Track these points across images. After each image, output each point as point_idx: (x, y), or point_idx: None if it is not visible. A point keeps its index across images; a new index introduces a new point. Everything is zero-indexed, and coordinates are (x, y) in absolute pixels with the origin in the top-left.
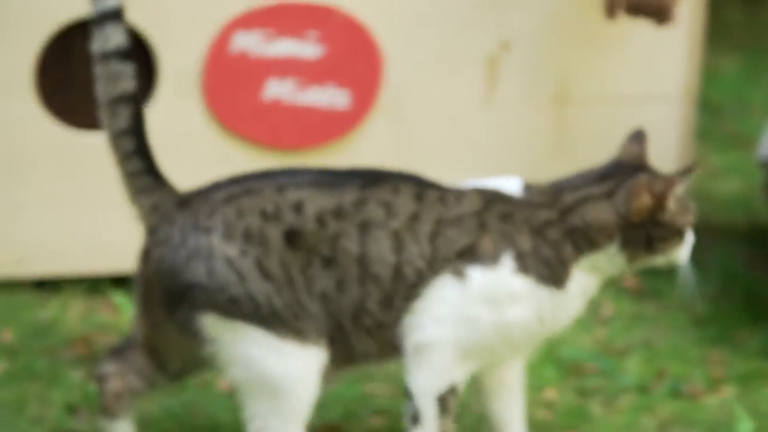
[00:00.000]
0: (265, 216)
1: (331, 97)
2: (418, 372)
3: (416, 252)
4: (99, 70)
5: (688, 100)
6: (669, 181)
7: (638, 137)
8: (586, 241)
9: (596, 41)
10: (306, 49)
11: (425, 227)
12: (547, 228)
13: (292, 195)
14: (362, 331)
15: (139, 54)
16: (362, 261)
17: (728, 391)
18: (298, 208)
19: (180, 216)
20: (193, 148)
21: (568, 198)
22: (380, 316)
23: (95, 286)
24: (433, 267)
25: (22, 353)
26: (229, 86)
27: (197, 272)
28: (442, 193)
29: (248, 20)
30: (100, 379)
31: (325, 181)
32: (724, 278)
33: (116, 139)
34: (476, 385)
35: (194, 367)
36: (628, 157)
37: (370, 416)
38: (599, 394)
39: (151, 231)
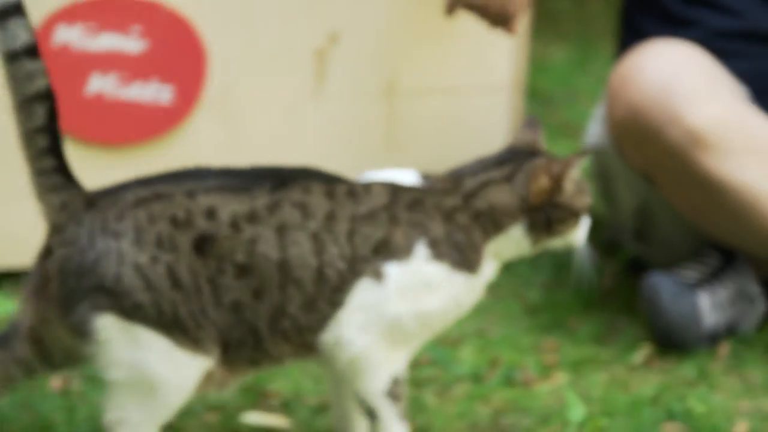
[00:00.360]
0: (175, 222)
1: (155, 92)
2: (359, 380)
3: (336, 253)
4: (10, 70)
5: (517, 90)
6: (565, 163)
7: (532, 124)
8: (492, 223)
9: (425, 33)
10: (129, 43)
11: (342, 226)
12: (455, 213)
13: (204, 200)
14: (279, 335)
15: None
16: (283, 266)
17: (560, 378)
18: (210, 213)
19: (88, 217)
20: (12, 144)
21: (469, 183)
22: (302, 320)
23: None
24: (353, 268)
25: None
26: (51, 81)
27: (105, 275)
28: (350, 187)
29: (70, 14)
30: None
31: (235, 185)
32: (555, 266)
33: (30, 136)
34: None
35: (78, 361)
36: (522, 143)
37: (204, 413)
38: (433, 384)
39: (57, 230)
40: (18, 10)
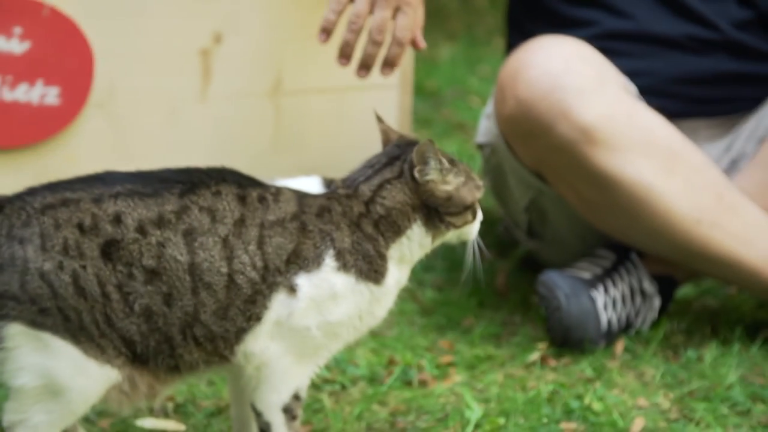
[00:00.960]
0: (82, 229)
1: (41, 94)
2: (260, 390)
3: (247, 261)
4: None
5: (406, 89)
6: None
7: (380, 119)
8: (392, 228)
9: (311, 33)
10: (12, 45)
11: (251, 232)
12: (361, 221)
13: (110, 206)
14: (192, 343)
15: None
16: (192, 270)
17: (457, 378)
18: (117, 219)
19: None
20: None
21: (366, 188)
22: (214, 328)
23: None
24: (267, 280)
25: None
26: None
27: (10, 283)
28: (261, 192)
29: None
30: None
31: (143, 190)
32: (449, 266)
33: None
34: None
35: None
36: (397, 136)
37: (98, 419)
38: (330, 385)
39: None
40: None
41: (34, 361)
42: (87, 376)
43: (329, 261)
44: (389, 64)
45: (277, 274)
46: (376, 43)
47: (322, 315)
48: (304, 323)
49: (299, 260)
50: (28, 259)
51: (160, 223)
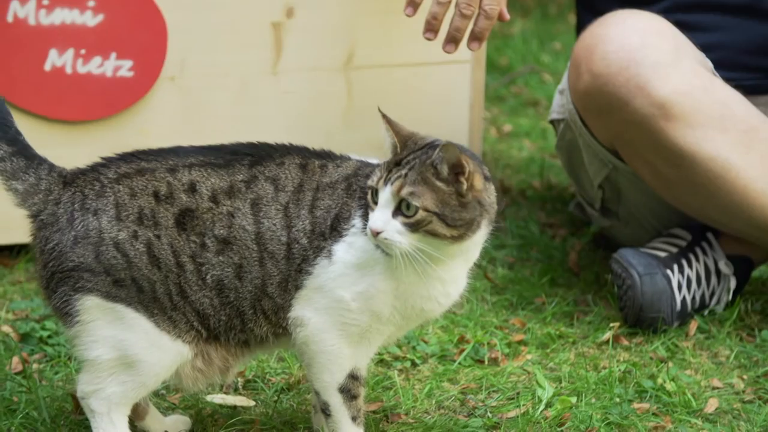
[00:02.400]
0: (158, 197)
1: (114, 67)
2: (313, 369)
3: (300, 227)
4: None
5: (479, 65)
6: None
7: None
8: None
9: (385, 7)
10: (86, 18)
11: (307, 196)
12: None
13: (185, 175)
14: (261, 316)
15: None
16: (259, 239)
17: (528, 357)
18: (191, 188)
19: (66, 195)
20: None
21: None
22: (278, 300)
23: None
24: (312, 242)
25: None
26: (8, 57)
27: (84, 255)
28: (325, 161)
29: None
30: None
31: (215, 161)
32: (520, 244)
33: None
34: None
35: None
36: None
37: (169, 393)
38: (400, 363)
39: (34, 215)
40: None
41: (109, 334)
42: (160, 350)
43: (358, 221)
44: (477, 39)
45: (321, 239)
46: (464, 17)
47: (354, 284)
48: (339, 293)
49: (340, 224)
50: (103, 230)
51: (231, 192)
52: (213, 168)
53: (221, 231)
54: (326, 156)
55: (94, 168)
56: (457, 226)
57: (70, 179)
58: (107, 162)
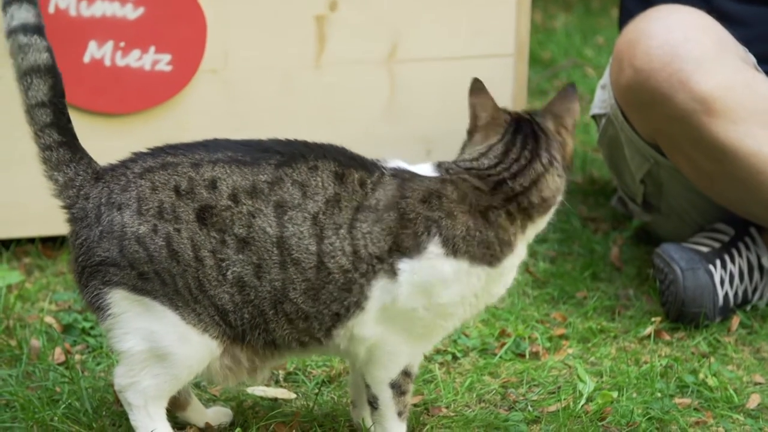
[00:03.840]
0: (178, 192)
1: (153, 60)
2: (369, 366)
3: (337, 244)
4: (9, 45)
5: (521, 59)
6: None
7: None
8: (539, 212)
9: (427, 1)
10: (126, 11)
11: (344, 215)
12: (490, 211)
13: (208, 171)
14: (283, 319)
15: None
16: (281, 244)
17: (569, 351)
18: (212, 184)
19: (94, 191)
20: (8, 112)
21: (514, 184)
22: (305, 307)
23: None
24: (358, 267)
25: None
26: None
27: (110, 249)
28: (363, 175)
29: None
30: None
31: (242, 158)
32: (562, 238)
33: (31, 111)
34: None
35: None
36: (504, 115)
37: (209, 385)
38: (441, 356)
39: (68, 208)
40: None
41: (140, 326)
42: (188, 343)
43: (434, 248)
44: None
45: (375, 262)
46: None
47: (429, 297)
48: (410, 305)
49: (399, 248)
50: (125, 224)
51: (253, 192)
52: (238, 165)
53: (240, 230)
54: (363, 165)
55: (124, 163)
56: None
57: (100, 175)
58: (136, 157)
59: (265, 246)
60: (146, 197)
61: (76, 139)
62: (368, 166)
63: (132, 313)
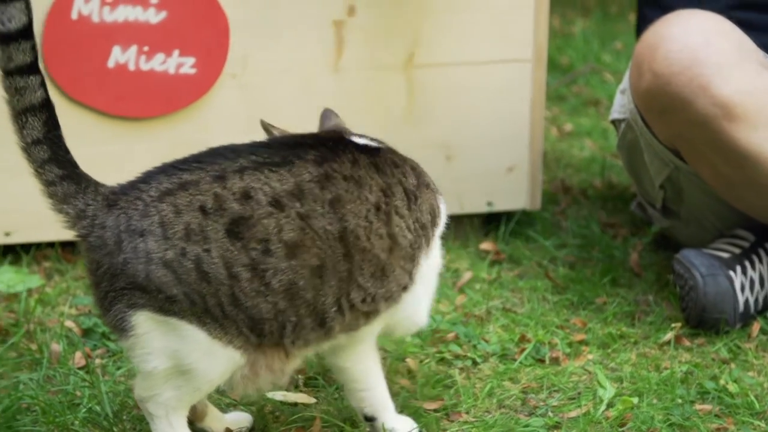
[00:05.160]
0: (205, 211)
1: (177, 64)
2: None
3: (403, 225)
4: (5, 85)
5: (540, 63)
6: None
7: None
8: None
9: (445, 7)
10: (149, 15)
11: (398, 197)
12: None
13: (236, 183)
14: (346, 308)
15: None
16: (345, 237)
17: (589, 356)
18: (245, 195)
19: (110, 219)
20: None
21: None
22: (373, 289)
23: None
24: (417, 239)
25: None
26: (72, 54)
27: (135, 275)
28: (388, 157)
29: None
30: None
31: (270, 159)
32: (582, 243)
33: (29, 149)
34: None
35: None
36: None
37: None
38: (461, 361)
39: (83, 238)
40: (23, 35)
41: (163, 345)
42: (212, 357)
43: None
44: None
45: (425, 232)
46: None
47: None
48: (436, 265)
49: (434, 219)
50: (150, 251)
51: (300, 194)
52: (270, 169)
53: (290, 235)
54: (377, 148)
55: (134, 186)
56: None
57: (113, 201)
58: (147, 178)
59: (328, 243)
60: (170, 222)
61: (77, 168)
62: (373, 144)
63: (156, 333)
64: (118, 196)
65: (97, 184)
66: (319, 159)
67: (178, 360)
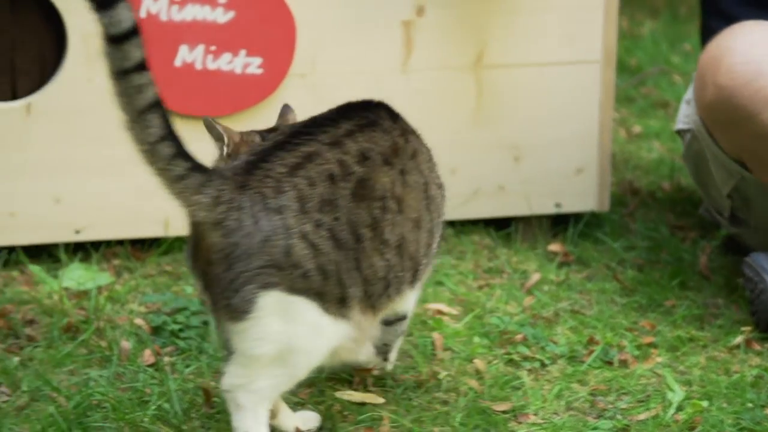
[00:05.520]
0: (333, 179)
1: (244, 63)
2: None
3: (439, 181)
4: (120, 86)
5: (609, 64)
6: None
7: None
8: None
9: (514, 7)
10: (216, 14)
11: (432, 160)
12: None
13: (353, 146)
14: (430, 257)
15: (49, 19)
16: (426, 189)
17: (658, 359)
18: (363, 156)
19: (245, 200)
20: (102, 115)
21: None
22: (438, 238)
23: (11, 258)
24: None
25: None
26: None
27: (273, 253)
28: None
29: None
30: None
31: (364, 122)
32: (650, 245)
33: (153, 148)
34: None
35: None
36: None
37: (299, 389)
38: (529, 363)
39: (217, 224)
40: (135, 33)
41: (278, 329)
42: (322, 337)
43: None
44: None
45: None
46: None
47: None
48: None
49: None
50: (289, 226)
51: (396, 151)
52: (371, 129)
53: (398, 190)
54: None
55: (255, 165)
56: None
57: (242, 182)
58: (263, 156)
59: (420, 195)
60: (306, 195)
61: (197, 158)
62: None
63: (275, 316)
64: (245, 177)
65: (218, 169)
66: (391, 116)
67: (288, 344)
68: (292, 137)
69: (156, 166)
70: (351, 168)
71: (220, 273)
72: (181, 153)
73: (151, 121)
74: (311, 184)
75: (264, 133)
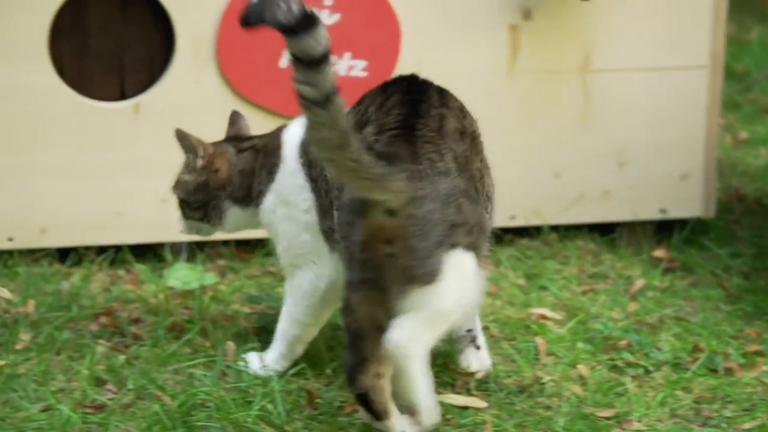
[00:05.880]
0: (462, 134)
1: (348, 66)
2: None
3: None
4: (327, 113)
5: (716, 70)
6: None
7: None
8: None
9: (623, 10)
10: (322, 16)
11: None
12: None
13: (453, 102)
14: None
15: (158, 20)
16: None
17: (765, 368)
18: (465, 115)
19: (416, 171)
20: (209, 116)
21: None
22: None
23: (117, 256)
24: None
25: (46, 325)
26: (246, 53)
27: (450, 214)
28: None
29: None
30: (366, 396)
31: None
32: (757, 252)
33: (358, 158)
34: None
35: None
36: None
37: None
38: (633, 369)
39: (412, 198)
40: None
41: (457, 286)
42: (478, 291)
43: None
44: None
45: None
46: None
47: None
48: None
49: None
50: (455, 186)
51: (464, 111)
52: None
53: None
54: None
55: (410, 133)
56: None
57: (411, 154)
58: (404, 118)
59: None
60: (458, 154)
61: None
62: None
63: (458, 274)
64: (409, 150)
65: (378, 154)
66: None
67: (465, 297)
68: (409, 104)
69: (364, 174)
70: (463, 124)
71: (414, 244)
72: (373, 155)
73: (354, 138)
74: (456, 143)
75: (237, 143)
